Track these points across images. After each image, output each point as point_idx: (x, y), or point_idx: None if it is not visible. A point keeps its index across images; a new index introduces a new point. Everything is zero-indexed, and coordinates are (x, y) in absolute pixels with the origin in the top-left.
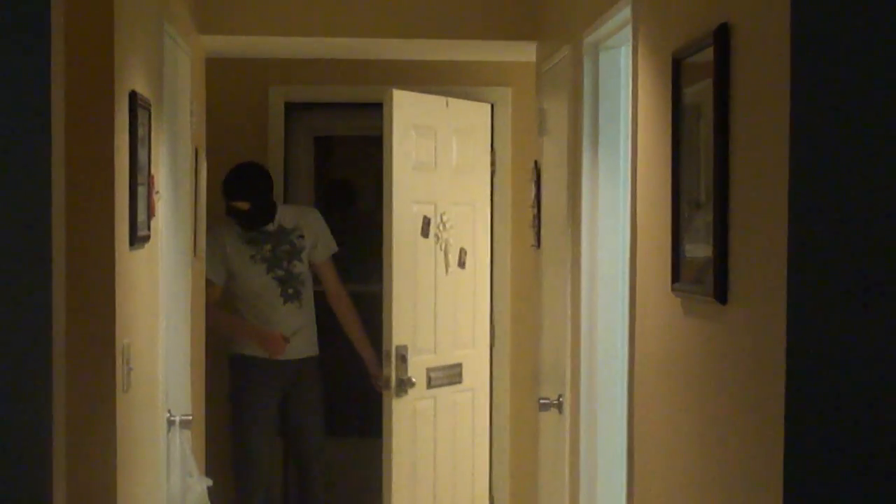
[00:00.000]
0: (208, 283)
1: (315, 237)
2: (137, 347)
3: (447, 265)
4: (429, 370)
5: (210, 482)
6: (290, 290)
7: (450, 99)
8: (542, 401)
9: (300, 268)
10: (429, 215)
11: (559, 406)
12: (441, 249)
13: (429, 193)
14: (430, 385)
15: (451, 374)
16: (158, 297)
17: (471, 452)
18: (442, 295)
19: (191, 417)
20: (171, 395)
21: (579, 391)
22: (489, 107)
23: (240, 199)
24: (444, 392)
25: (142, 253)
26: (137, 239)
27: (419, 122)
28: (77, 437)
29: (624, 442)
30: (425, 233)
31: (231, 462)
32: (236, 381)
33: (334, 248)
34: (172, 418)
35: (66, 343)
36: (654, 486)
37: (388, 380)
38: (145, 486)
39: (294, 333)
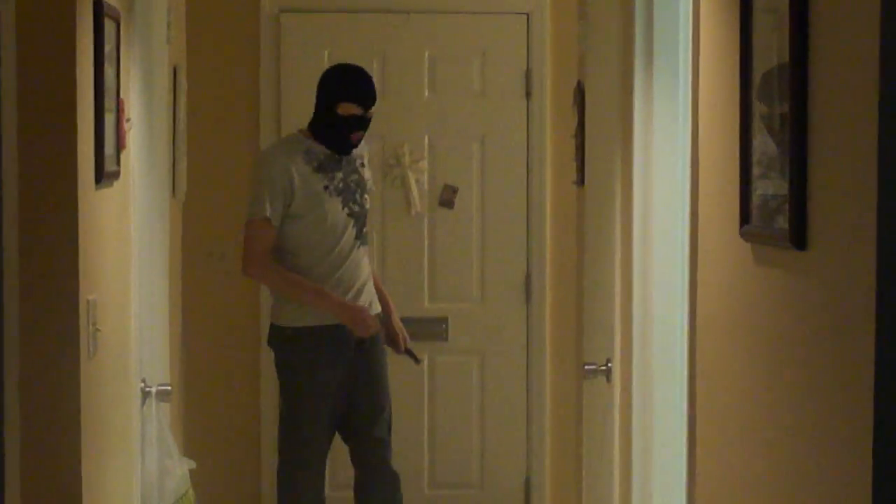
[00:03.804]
0: (265, 224)
1: (371, 170)
2: (105, 305)
3: (411, 205)
4: None
5: (192, 464)
6: (364, 230)
7: (414, 14)
8: (587, 367)
9: (369, 203)
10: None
11: (607, 373)
12: (396, 187)
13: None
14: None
15: (421, 332)
16: (131, 246)
17: (475, 422)
18: (398, 238)
19: (169, 388)
20: (146, 363)
21: (631, 356)
22: (485, 21)
23: (363, 99)
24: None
25: (110, 192)
26: (104, 176)
27: (338, 45)
28: (35, 410)
29: (684, 416)
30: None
31: (279, 460)
32: (289, 358)
33: (373, 189)
34: (148, 389)
35: (20, 300)
36: (720, 466)
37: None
38: (116, 468)
39: (364, 285)
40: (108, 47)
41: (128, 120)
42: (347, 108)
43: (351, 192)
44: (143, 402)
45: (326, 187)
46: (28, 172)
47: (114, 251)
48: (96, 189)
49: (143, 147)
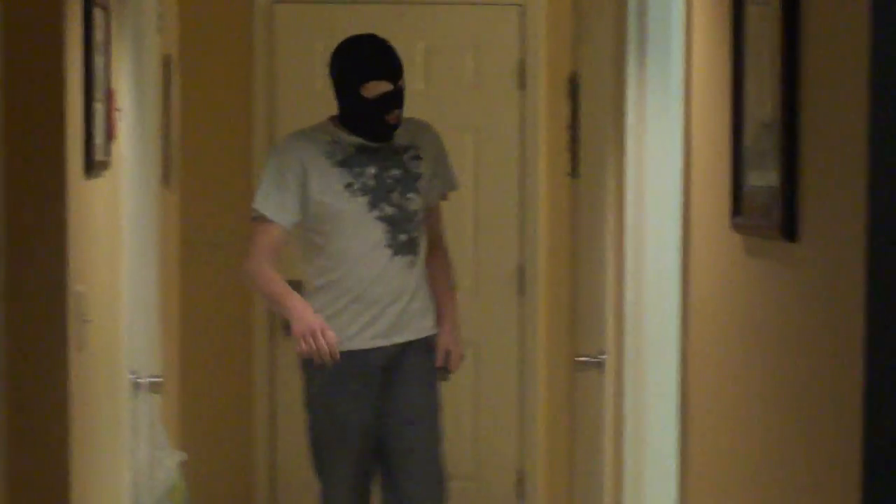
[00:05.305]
0: (261, 222)
1: (434, 164)
2: (94, 297)
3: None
4: None
5: (184, 456)
6: (403, 237)
7: (409, 4)
8: (579, 359)
9: (417, 203)
10: None
11: (599, 365)
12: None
13: None
14: None
15: None
16: (121, 236)
17: (468, 414)
18: None
19: (161, 380)
20: (137, 354)
21: (623, 347)
22: (479, 12)
23: (389, 72)
24: None
25: (99, 183)
26: (94, 166)
27: (333, 36)
28: (23, 403)
29: (676, 407)
30: None
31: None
32: (304, 386)
33: (455, 185)
34: (138, 381)
35: (7, 291)
36: (712, 457)
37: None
38: (106, 460)
39: (397, 304)
40: (98, 37)
41: (118, 110)
42: (375, 88)
43: (384, 191)
44: (134, 394)
45: (349, 185)
46: (16, 162)
47: (103, 242)
48: (86, 179)
49: (134, 137)
